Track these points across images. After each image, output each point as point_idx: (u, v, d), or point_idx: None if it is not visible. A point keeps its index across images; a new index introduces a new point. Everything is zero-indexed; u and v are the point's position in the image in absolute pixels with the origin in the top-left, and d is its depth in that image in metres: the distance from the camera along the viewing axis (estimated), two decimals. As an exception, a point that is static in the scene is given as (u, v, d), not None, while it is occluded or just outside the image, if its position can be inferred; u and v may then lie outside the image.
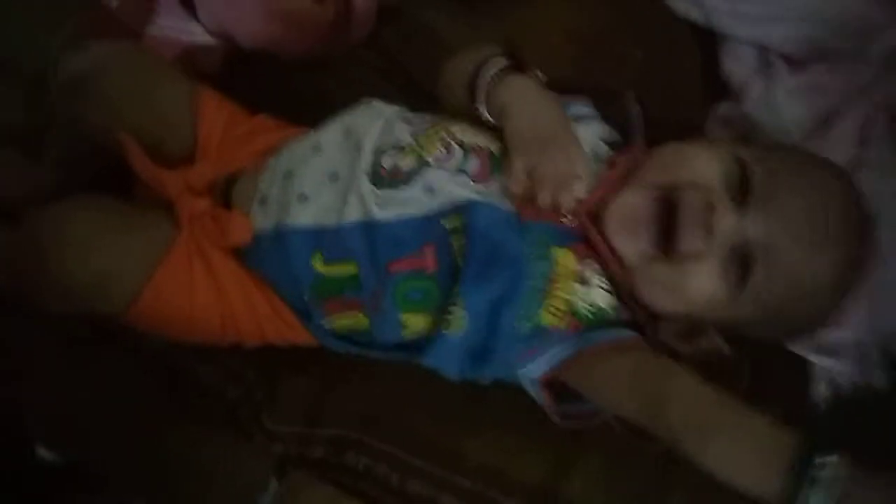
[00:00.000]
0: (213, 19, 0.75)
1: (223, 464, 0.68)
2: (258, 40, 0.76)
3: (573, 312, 0.60)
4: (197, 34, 0.76)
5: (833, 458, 0.52)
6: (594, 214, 0.61)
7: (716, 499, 0.67)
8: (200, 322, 0.64)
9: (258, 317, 0.65)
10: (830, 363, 0.70)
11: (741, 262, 0.58)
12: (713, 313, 0.60)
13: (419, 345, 0.63)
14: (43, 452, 0.85)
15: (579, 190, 0.59)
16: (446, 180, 0.60)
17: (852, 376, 0.70)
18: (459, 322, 0.60)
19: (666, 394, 0.56)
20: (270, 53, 0.78)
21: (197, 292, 0.63)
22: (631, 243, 0.59)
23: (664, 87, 0.78)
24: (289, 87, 0.78)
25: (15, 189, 0.73)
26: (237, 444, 0.69)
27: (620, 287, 0.61)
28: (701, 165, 0.59)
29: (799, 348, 0.70)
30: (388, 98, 0.69)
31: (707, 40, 0.80)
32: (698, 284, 0.58)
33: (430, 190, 0.60)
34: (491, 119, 0.62)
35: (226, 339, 0.67)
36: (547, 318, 0.60)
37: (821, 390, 0.71)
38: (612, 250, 0.60)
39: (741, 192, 0.58)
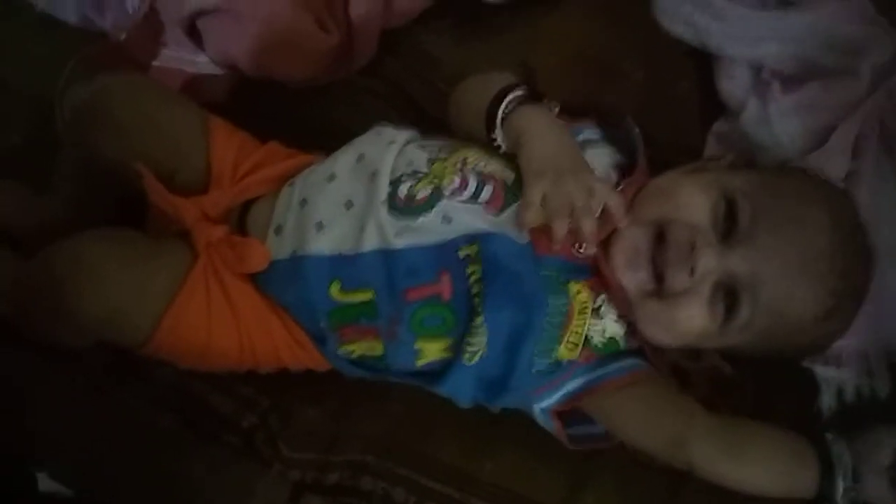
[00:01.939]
0: (219, 49, 0.76)
1: (239, 493, 0.68)
2: (263, 69, 0.77)
3: (587, 344, 0.62)
4: (202, 64, 0.77)
5: (840, 441, 0.61)
6: (604, 246, 0.62)
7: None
8: (218, 348, 0.64)
9: (275, 341, 0.65)
10: (834, 373, 0.71)
11: (728, 296, 0.59)
12: (706, 344, 0.63)
13: (433, 374, 0.64)
14: (47, 484, 0.84)
15: (612, 205, 0.59)
16: (462, 210, 0.61)
17: (857, 385, 0.72)
18: (481, 351, 0.61)
19: (685, 435, 0.61)
20: (275, 81, 0.78)
21: (214, 318, 0.63)
22: (634, 279, 0.61)
23: (664, 107, 0.80)
24: (295, 114, 0.79)
25: (22, 219, 0.72)
26: (254, 473, 0.69)
27: (627, 318, 0.63)
28: (689, 201, 0.61)
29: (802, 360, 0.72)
30: (394, 123, 0.70)
31: (703, 61, 0.82)
32: (687, 319, 0.60)
33: (446, 219, 0.61)
34: (505, 147, 0.63)
35: (242, 366, 0.67)
36: (563, 353, 0.62)
37: (827, 400, 0.72)
38: (619, 285, 0.61)
39: (728, 227, 0.60)
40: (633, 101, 0.78)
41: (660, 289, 0.60)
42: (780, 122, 0.76)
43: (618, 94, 0.82)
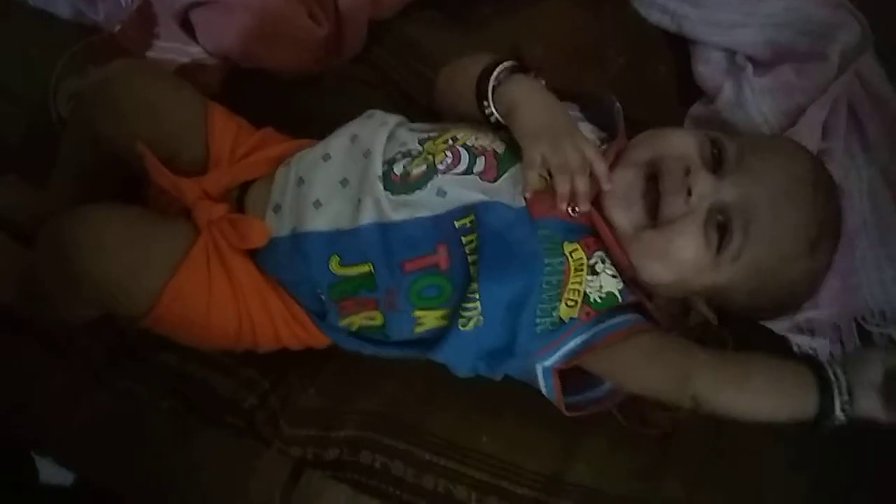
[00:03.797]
0: (212, 40, 0.77)
1: (241, 472, 0.70)
2: (254, 59, 0.78)
3: (586, 301, 0.64)
4: (196, 55, 0.78)
5: (836, 362, 0.63)
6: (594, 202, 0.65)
7: (710, 474, 0.72)
8: (217, 325, 0.65)
9: (274, 318, 0.67)
10: (807, 341, 0.75)
11: (720, 224, 0.62)
12: (700, 279, 0.64)
13: (431, 341, 0.66)
14: (47, 474, 0.85)
15: (599, 174, 0.62)
16: (456, 184, 0.64)
17: (829, 354, 0.75)
18: (475, 318, 0.63)
19: (688, 371, 0.63)
20: (268, 72, 0.80)
21: (214, 293, 0.64)
22: (626, 215, 0.64)
23: (644, 91, 0.84)
24: (287, 104, 0.81)
25: (23, 213, 0.73)
26: (255, 452, 0.70)
27: (623, 271, 0.65)
28: (677, 140, 0.65)
29: (777, 327, 0.75)
30: (382, 111, 0.72)
31: (679, 46, 0.85)
32: (683, 245, 0.62)
33: (441, 192, 0.64)
34: (497, 116, 0.66)
35: (241, 344, 0.68)
36: (564, 311, 0.64)
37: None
38: (613, 229, 0.64)
39: (716, 161, 0.64)
40: (614, 86, 0.80)
41: (654, 222, 0.63)
42: (754, 104, 0.79)
43: (600, 79, 0.85)
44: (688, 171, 0.62)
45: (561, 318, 0.64)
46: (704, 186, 0.62)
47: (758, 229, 0.62)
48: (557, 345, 0.64)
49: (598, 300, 0.64)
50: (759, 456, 0.72)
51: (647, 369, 0.64)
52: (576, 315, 0.64)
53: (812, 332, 0.75)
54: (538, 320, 0.63)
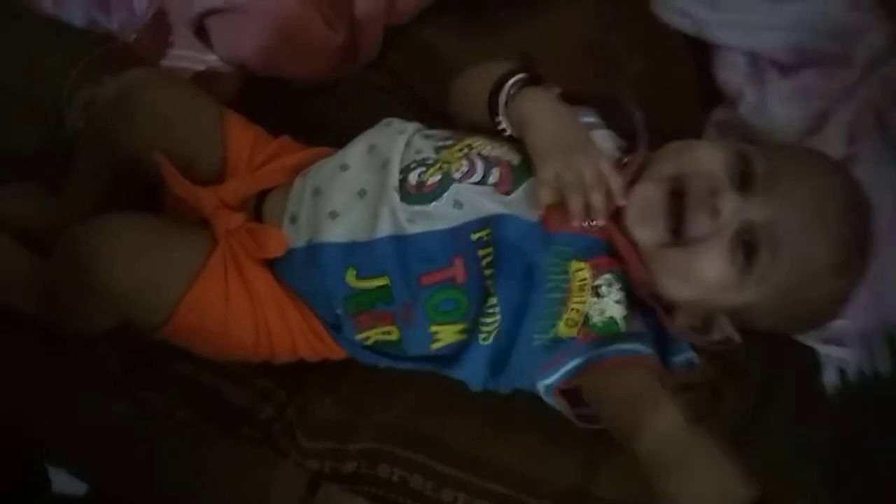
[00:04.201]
0: (227, 48, 0.77)
1: (257, 484, 0.69)
2: (270, 67, 0.78)
3: (587, 323, 0.63)
4: (211, 63, 0.78)
5: None
6: (614, 216, 0.63)
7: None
8: (235, 335, 0.65)
9: (291, 329, 0.66)
10: (837, 352, 0.73)
11: (747, 245, 0.60)
12: (724, 299, 0.62)
13: (449, 357, 0.65)
14: (60, 483, 0.85)
15: (611, 190, 0.61)
16: (472, 194, 0.63)
17: (859, 363, 0.74)
18: (495, 332, 0.62)
19: (643, 424, 0.58)
20: (282, 80, 0.79)
21: (232, 304, 0.64)
22: (648, 232, 0.62)
23: (662, 96, 0.82)
24: (302, 111, 0.80)
25: (40, 220, 0.73)
26: (271, 464, 0.70)
27: (640, 288, 0.64)
28: (705, 155, 0.63)
29: (805, 338, 0.73)
30: (399, 117, 0.71)
31: (700, 50, 0.83)
32: (708, 266, 0.60)
33: (457, 204, 0.63)
34: (511, 131, 0.65)
35: (259, 355, 0.68)
36: (563, 330, 0.63)
37: (830, 377, 0.74)
38: (634, 245, 0.62)
39: (744, 179, 0.61)
40: (633, 91, 0.79)
41: (677, 240, 0.61)
42: (778, 108, 0.78)
43: (618, 84, 0.83)
44: (714, 191, 0.60)
45: (558, 337, 0.62)
46: (731, 207, 0.60)
47: (786, 251, 0.60)
48: (556, 364, 0.62)
49: (600, 324, 0.63)
50: (785, 467, 0.70)
51: (613, 408, 0.62)
52: (575, 335, 0.62)
53: (841, 343, 0.73)
54: (535, 336, 0.62)
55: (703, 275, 0.61)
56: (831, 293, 0.64)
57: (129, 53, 0.78)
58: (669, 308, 0.65)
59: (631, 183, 0.63)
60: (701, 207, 0.60)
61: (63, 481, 0.81)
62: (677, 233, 0.61)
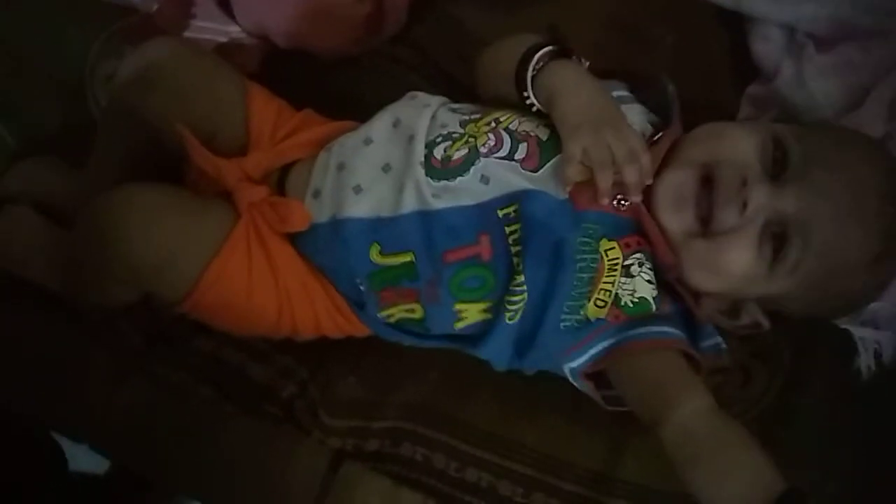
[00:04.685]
0: (250, 19, 0.76)
1: (280, 462, 0.69)
2: (295, 39, 0.77)
3: (616, 303, 0.61)
4: (234, 35, 0.77)
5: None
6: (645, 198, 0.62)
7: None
8: (257, 310, 0.64)
9: (314, 303, 0.65)
10: (872, 334, 0.72)
11: (777, 236, 0.59)
12: (752, 289, 0.61)
13: (475, 336, 0.64)
14: (80, 464, 0.85)
15: (641, 168, 0.59)
16: (499, 169, 0.61)
17: (894, 346, 0.72)
18: (521, 310, 0.61)
19: (672, 407, 0.57)
20: (306, 52, 0.78)
21: (255, 277, 0.63)
22: (678, 220, 0.61)
23: (695, 71, 0.80)
24: (325, 84, 0.79)
25: (62, 194, 0.73)
26: (294, 442, 0.69)
27: (667, 272, 0.62)
28: (737, 141, 0.61)
29: (840, 321, 0.71)
30: (424, 92, 0.70)
31: (735, 23, 0.81)
32: (735, 259, 0.59)
33: (484, 179, 0.61)
34: (539, 105, 0.63)
35: (281, 331, 0.67)
36: (592, 311, 0.61)
37: (865, 360, 0.72)
38: (662, 230, 0.61)
39: (777, 167, 0.60)
40: (664, 66, 0.76)
41: (705, 230, 0.60)
42: (816, 82, 0.75)
43: (649, 59, 0.81)
44: (745, 181, 0.58)
45: (588, 318, 0.61)
46: (761, 199, 0.58)
47: (818, 243, 0.58)
48: (584, 346, 0.61)
49: (631, 304, 0.61)
50: (816, 452, 0.69)
51: (639, 392, 0.60)
52: (604, 316, 0.61)
53: (876, 325, 0.71)
54: (564, 316, 0.61)
55: (730, 268, 0.60)
56: (866, 283, 0.63)
57: (151, 25, 0.77)
58: (696, 292, 0.63)
59: (662, 161, 0.61)
60: (730, 199, 0.59)
61: (83, 460, 0.81)
62: (706, 221, 0.60)
